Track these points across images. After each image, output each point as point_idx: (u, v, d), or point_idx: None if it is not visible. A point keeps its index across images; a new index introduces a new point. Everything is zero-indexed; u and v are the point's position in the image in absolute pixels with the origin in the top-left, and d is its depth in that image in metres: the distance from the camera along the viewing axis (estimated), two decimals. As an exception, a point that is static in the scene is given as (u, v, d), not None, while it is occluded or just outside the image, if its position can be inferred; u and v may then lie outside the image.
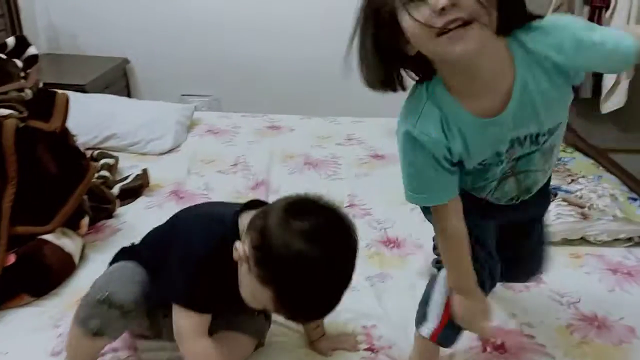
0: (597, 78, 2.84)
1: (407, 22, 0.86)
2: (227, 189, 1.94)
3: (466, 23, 0.84)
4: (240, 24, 2.88)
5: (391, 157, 2.20)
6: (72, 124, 1.66)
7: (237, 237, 1.03)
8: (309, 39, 2.90)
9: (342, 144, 2.34)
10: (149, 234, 1.22)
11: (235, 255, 1.00)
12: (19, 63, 1.62)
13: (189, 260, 1.05)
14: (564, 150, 2.08)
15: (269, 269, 0.95)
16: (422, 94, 0.98)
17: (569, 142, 2.17)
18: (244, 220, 1.05)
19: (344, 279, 0.99)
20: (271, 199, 1.79)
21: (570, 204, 1.65)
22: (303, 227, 0.94)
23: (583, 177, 1.84)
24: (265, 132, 2.44)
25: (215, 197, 1.88)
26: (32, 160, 1.44)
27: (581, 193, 1.70)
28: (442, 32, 0.84)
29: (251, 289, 1.00)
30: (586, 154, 2.10)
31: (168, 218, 1.20)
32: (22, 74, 1.62)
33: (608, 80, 2.83)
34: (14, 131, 1.41)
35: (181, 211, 1.24)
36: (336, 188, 1.93)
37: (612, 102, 2.88)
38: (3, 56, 1.59)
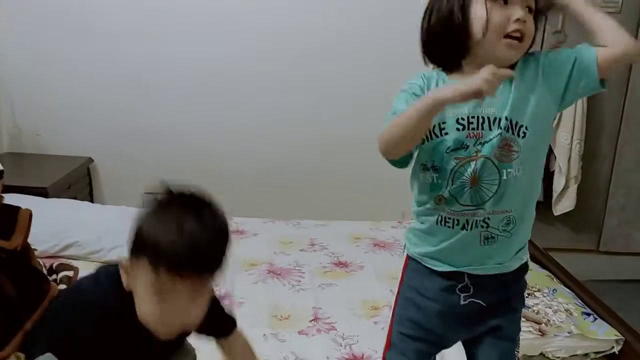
0: (549, 182, 3.02)
1: (481, 15, 1.11)
2: (190, 301, 1.91)
3: (522, 39, 1.11)
4: (203, 123, 2.96)
5: (354, 266, 2.23)
6: (32, 233, 1.63)
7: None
8: (274, 139, 3.00)
9: (305, 250, 2.37)
10: None
11: (123, 279, 1.06)
12: (-17, 179, 1.61)
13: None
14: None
15: (139, 243, 1.02)
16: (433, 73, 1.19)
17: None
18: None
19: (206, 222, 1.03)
20: (235, 313, 1.82)
21: (527, 319, 1.70)
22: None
23: (539, 290, 1.90)
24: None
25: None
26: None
27: (537, 308, 1.75)
28: (507, 36, 1.10)
29: (143, 290, 1.02)
30: (540, 263, 2.18)
31: None
32: (-14, 190, 1.60)
33: (558, 184, 3.01)
34: (-26, 253, 1.38)
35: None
36: (301, 300, 1.94)
37: (563, 204, 3.05)
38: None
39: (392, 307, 1.31)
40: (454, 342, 1.30)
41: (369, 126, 3.02)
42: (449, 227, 1.16)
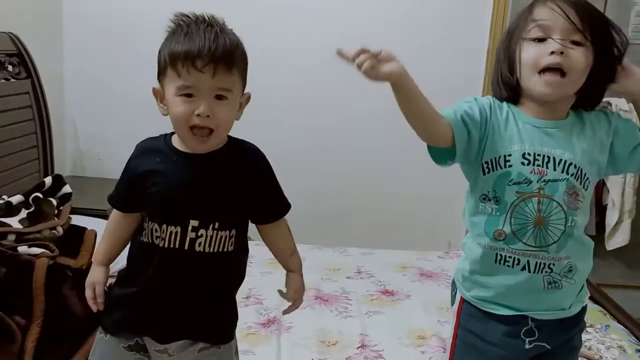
0: (602, 216, 2.96)
1: (525, 53, 1.14)
2: (239, 324, 1.96)
3: (563, 74, 1.10)
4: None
5: (401, 295, 2.24)
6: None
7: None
8: (320, 169, 3.06)
9: (352, 277, 2.39)
10: None
11: (159, 107, 1.16)
12: (54, 201, 1.72)
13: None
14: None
15: (160, 62, 1.11)
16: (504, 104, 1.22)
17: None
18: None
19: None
20: (283, 338, 1.86)
21: (580, 355, 1.67)
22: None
23: (591, 326, 1.86)
24: (277, 262, 2.49)
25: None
26: (58, 300, 1.50)
27: (590, 344, 1.72)
28: (543, 70, 1.11)
29: (172, 96, 1.09)
30: (592, 299, 2.13)
31: None
32: (56, 212, 1.71)
33: (611, 218, 2.95)
34: (45, 271, 1.48)
35: None
36: (348, 327, 1.96)
37: (617, 239, 2.98)
38: (40, 195, 1.69)
39: (450, 351, 1.27)
40: None
41: (416, 159, 3.09)
42: (508, 266, 1.15)
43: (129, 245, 1.24)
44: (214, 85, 1.08)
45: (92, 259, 1.26)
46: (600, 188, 2.97)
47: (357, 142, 3.06)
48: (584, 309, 1.24)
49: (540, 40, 1.12)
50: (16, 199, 1.67)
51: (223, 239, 1.15)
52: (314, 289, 2.24)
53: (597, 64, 1.14)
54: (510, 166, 1.13)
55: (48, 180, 1.78)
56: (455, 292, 1.28)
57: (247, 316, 2.01)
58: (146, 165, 1.17)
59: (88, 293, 1.22)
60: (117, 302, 1.21)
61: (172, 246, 1.13)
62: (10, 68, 2.40)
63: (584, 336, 1.78)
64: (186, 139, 1.13)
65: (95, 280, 1.22)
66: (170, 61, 1.08)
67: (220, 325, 1.24)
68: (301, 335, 1.89)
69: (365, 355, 1.80)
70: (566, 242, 1.13)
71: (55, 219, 1.69)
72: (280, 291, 1.30)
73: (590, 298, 2.15)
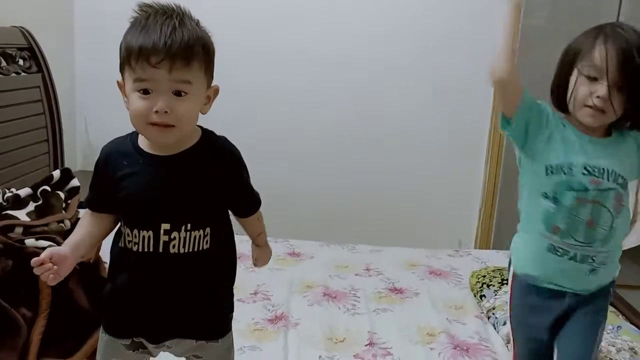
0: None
1: (576, 84, 1.31)
2: (246, 320, 1.95)
3: (604, 112, 1.29)
4: (263, 147, 3.04)
5: (409, 292, 2.22)
6: (103, 246, 1.72)
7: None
8: (330, 165, 3.05)
9: (360, 275, 2.38)
10: None
11: (123, 99, 1.12)
12: (62, 195, 1.72)
13: None
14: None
15: (121, 56, 1.07)
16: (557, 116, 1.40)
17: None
18: None
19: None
20: (290, 335, 1.84)
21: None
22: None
23: (603, 326, 1.83)
24: (286, 259, 2.49)
25: (234, 327, 1.89)
26: (64, 293, 1.49)
27: (600, 346, 1.69)
28: (588, 106, 1.30)
29: (130, 91, 1.07)
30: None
31: None
32: (64, 205, 1.71)
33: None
34: (51, 264, 1.47)
35: None
36: (356, 324, 1.95)
37: (630, 240, 2.93)
38: (49, 189, 1.69)
39: (509, 317, 1.51)
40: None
41: (428, 156, 3.08)
42: (558, 255, 1.35)
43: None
44: (171, 80, 1.04)
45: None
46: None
47: (368, 140, 3.05)
48: (613, 281, 1.46)
49: (592, 78, 1.29)
50: (24, 191, 1.67)
51: (197, 238, 1.13)
52: (322, 286, 2.23)
53: (633, 100, 1.30)
54: (572, 175, 1.31)
55: (56, 173, 1.78)
56: (510, 268, 1.49)
57: (254, 312, 2.01)
58: (113, 171, 1.14)
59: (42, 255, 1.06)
60: (108, 305, 1.21)
61: (146, 250, 1.12)
62: (21, 62, 2.41)
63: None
64: (145, 133, 1.10)
65: (52, 250, 1.09)
66: (127, 56, 1.05)
67: (211, 322, 1.23)
68: (308, 332, 1.88)
69: (374, 353, 1.78)
70: (609, 240, 1.33)
71: (63, 212, 1.69)
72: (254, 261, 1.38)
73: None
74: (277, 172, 3.04)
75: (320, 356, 1.75)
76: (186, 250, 1.12)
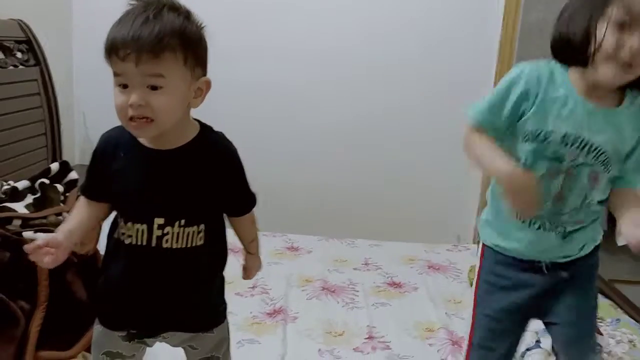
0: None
1: (602, 34, 1.10)
2: (245, 313, 1.95)
3: (630, 67, 1.10)
4: (261, 143, 3.03)
5: (408, 287, 2.22)
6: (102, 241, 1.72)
7: None
8: (329, 159, 3.04)
9: (359, 269, 2.38)
10: None
11: None
12: (61, 188, 1.72)
13: None
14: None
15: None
16: (552, 64, 1.21)
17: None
18: None
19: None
20: (289, 328, 1.84)
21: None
22: None
23: (601, 319, 1.84)
24: (284, 253, 2.49)
25: (232, 321, 1.88)
26: (62, 286, 1.49)
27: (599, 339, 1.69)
28: (618, 61, 1.09)
29: (113, 85, 1.05)
30: (603, 293, 2.10)
31: None
32: (62, 198, 1.71)
33: (621, 213, 2.90)
34: (50, 256, 1.47)
35: None
36: (354, 318, 1.95)
37: (627, 235, 2.93)
38: (46, 181, 1.69)
39: (474, 292, 1.38)
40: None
41: (426, 151, 3.07)
42: (526, 224, 1.24)
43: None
44: (141, 74, 1.02)
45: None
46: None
47: (367, 135, 3.03)
48: (597, 247, 1.33)
49: (622, 25, 1.09)
50: (22, 184, 1.66)
51: (191, 234, 1.12)
52: (321, 280, 2.23)
53: None
54: (548, 143, 1.17)
55: (54, 166, 1.78)
56: (479, 241, 1.39)
57: (252, 306, 2.01)
58: (110, 161, 1.13)
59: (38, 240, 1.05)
60: (102, 296, 1.20)
61: (139, 243, 1.11)
62: (19, 55, 2.39)
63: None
64: (127, 128, 1.07)
65: (47, 236, 1.07)
66: (105, 51, 1.05)
67: (204, 315, 1.23)
68: (307, 326, 1.88)
69: (373, 346, 1.78)
70: (579, 213, 1.23)
71: (62, 205, 1.69)
72: (243, 271, 1.36)
73: (601, 292, 2.12)
74: (275, 167, 3.03)
75: (319, 349, 1.75)
76: (179, 246, 1.11)
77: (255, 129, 2.98)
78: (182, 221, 1.11)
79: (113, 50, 1.02)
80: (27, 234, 1.51)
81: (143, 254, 1.12)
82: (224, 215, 1.22)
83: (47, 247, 1.03)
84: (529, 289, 1.29)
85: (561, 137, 1.17)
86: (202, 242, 1.14)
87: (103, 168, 1.14)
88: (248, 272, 1.35)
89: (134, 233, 1.11)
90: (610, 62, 1.10)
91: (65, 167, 1.81)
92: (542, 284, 1.29)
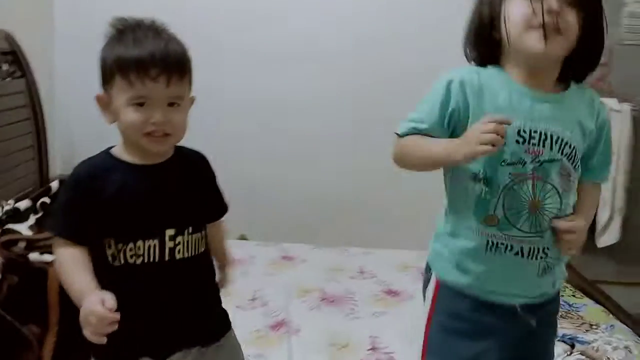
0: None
1: (514, 7, 1.04)
2: (248, 327, 1.94)
3: (558, 31, 1.02)
4: (250, 148, 3.02)
5: (405, 294, 2.25)
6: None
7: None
8: (322, 167, 3.05)
9: (355, 278, 2.40)
10: None
11: (103, 114, 1.12)
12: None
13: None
14: (573, 296, 2.15)
15: (106, 68, 1.08)
16: (473, 69, 1.14)
17: (573, 283, 2.24)
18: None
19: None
20: (293, 341, 1.85)
21: (588, 357, 1.70)
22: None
23: (597, 326, 1.89)
24: (279, 263, 2.49)
25: (237, 335, 1.88)
26: (73, 308, 1.47)
27: (597, 345, 1.75)
28: (535, 27, 1.02)
29: (124, 104, 1.06)
30: (593, 298, 2.17)
31: None
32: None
33: (602, 216, 3.00)
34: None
35: None
36: (357, 328, 1.97)
37: (607, 237, 3.03)
38: (48, 200, 1.66)
39: (424, 338, 1.24)
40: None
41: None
42: (498, 252, 1.08)
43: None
44: (168, 94, 1.07)
45: (80, 295, 1.03)
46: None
47: (361, 142, 3.04)
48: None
49: None
50: (24, 204, 1.63)
51: (197, 241, 1.16)
52: (319, 290, 2.24)
53: (585, 31, 1.06)
54: (504, 144, 1.01)
55: (54, 184, 1.75)
56: (430, 275, 1.21)
57: (254, 320, 2.00)
58: (101, 189, 1.08)
59: (99, 310, 0.98)
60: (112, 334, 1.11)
61: (152, 260, 1.10)
62: (4, 67, 2.34)
63: (591, 336, 1.83)
64: (141, 143, 1.10)
65: (98, 296, 1.00)
66: (120, 69, 1.05)
67: (212, 323, 1.24)
68: (311, 338, 1.89)
69: (377, 358, 1.81)
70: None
71: (65, 224, 1.66)
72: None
73: (591, 298, 2.19)
74: (267, 174, 3.02)
75: (326, 363, 1.76)
76: (189, 255, 1.14)
77: (246, 134, 2.96)
78: (190, 228, 1.15)
79: (141, 69, 1.03)
80: (33, 255, 1.49)
81: (156, 272, 1.12)
82: None
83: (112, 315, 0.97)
84: (500, 338, 1.12)
85: (516, 132, 1.05)
86: (203, 248, 1.19)
87: (94, 199, 1.07)
88: (226, 280, 1.34)
89: (145, 251, 1.10)
90: (530, 31, 1.03)
91: (66, 185, 1.78)
92: (514, 332, 1.12)
